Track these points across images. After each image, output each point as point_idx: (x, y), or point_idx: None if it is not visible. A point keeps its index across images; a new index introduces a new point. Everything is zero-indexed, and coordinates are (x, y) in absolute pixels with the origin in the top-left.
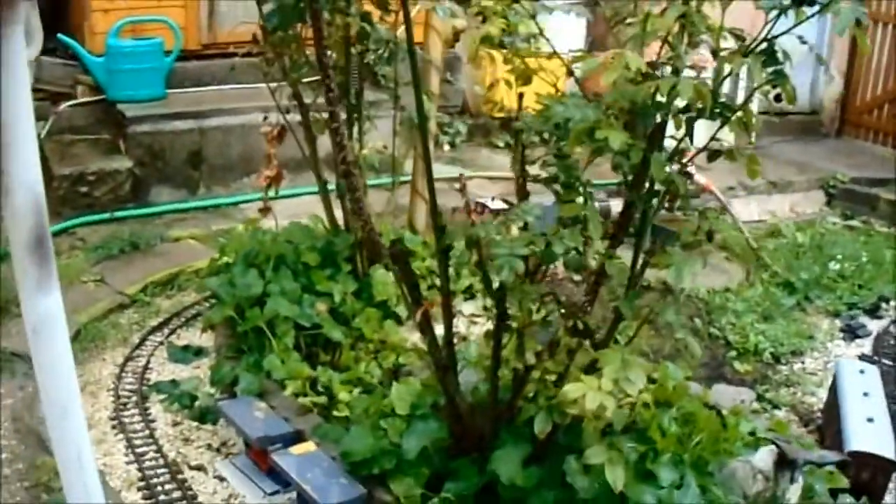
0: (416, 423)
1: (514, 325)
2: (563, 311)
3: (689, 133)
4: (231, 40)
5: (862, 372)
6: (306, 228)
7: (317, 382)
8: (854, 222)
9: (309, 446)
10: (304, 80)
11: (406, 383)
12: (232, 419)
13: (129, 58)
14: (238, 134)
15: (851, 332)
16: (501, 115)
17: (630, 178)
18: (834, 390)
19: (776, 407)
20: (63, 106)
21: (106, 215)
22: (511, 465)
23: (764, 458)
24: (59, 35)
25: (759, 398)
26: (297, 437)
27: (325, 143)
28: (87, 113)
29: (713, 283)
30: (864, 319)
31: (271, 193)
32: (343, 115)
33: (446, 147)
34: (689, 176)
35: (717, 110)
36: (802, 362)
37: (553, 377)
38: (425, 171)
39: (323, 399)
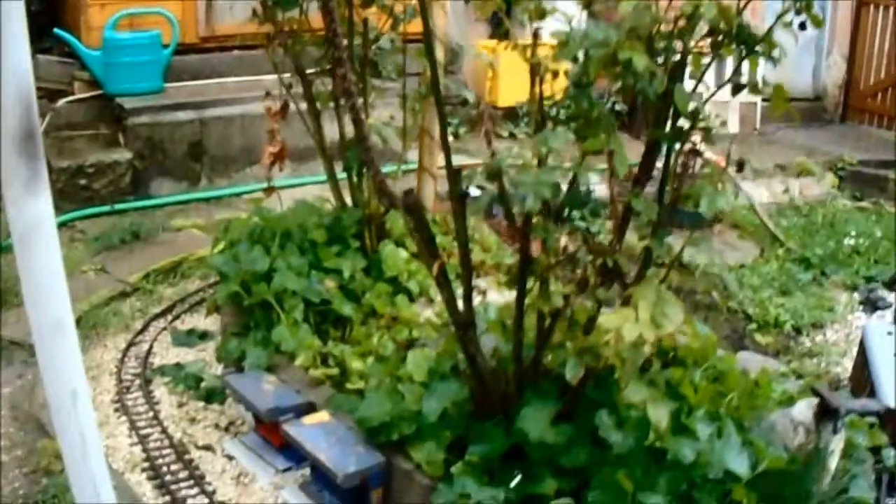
0: (436, 385)
1: (539, 267)
2: (591, 249)
3: (707, 67)
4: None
5: (890, 333)
6: (312, 207)
7: (328, 357)
8: (864, 203)
9: (322, 416)
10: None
11: (422, 351)
12: (240, 392)
13: (126, 50)
14: (239, 124)
15: (872, 304)
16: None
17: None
18: (863, 353)
19: (800, 377)
20: (61, 102)
21: (106, 208)
22: (539, 423)
23: (803, 410)
24: (56, 30)
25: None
26: (309, 409)
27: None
28: (84, 109)
29: (728, 260)
30: (882, 292)
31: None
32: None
33: (450, 137)
34: (699, 153)
35: (741, 38)
36: (824, 334)
37: (582, 322)
38: (440, 127)
39: (335, 371)
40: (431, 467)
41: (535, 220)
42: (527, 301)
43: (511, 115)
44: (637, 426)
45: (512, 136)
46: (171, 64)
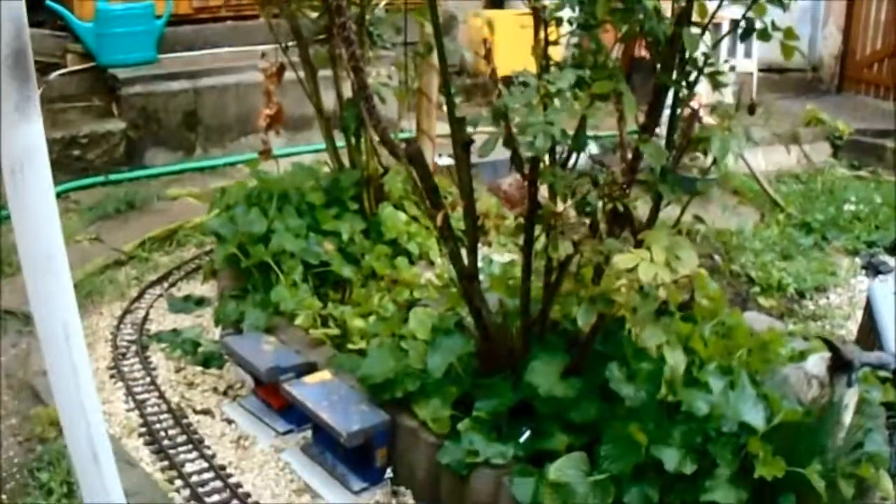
0: (441, 339)
1: (547, 213)
2: (601, 194)
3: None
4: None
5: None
6: (310, 170)
7: (328, 319)
8: (862, 172)
9: (324, 375)
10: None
11: (424, 310)
12: (238, 353)
13: (119, 21)
14: (234, 94)
15: (874, 269)
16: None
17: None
18: (869, 314)
19: (805, 339)
20: (53, 75)
21: (100, 178)
22: (548, 377)
23: (817, 363)
24: (48, 2)
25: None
26: (310, 369)
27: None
28: (77, 81)
29: (728, 225)
30: (884, 257)
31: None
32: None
33: (444, 107)
34: (699, 119)
35: None
36: (827, 297)
37: (591, 271)
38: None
39: (335, 331)
40: (437, 424)
41: (542, 165)
42: (535, 248)
43: (507, 84)
44: (649, 379)
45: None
46: (164, 35)
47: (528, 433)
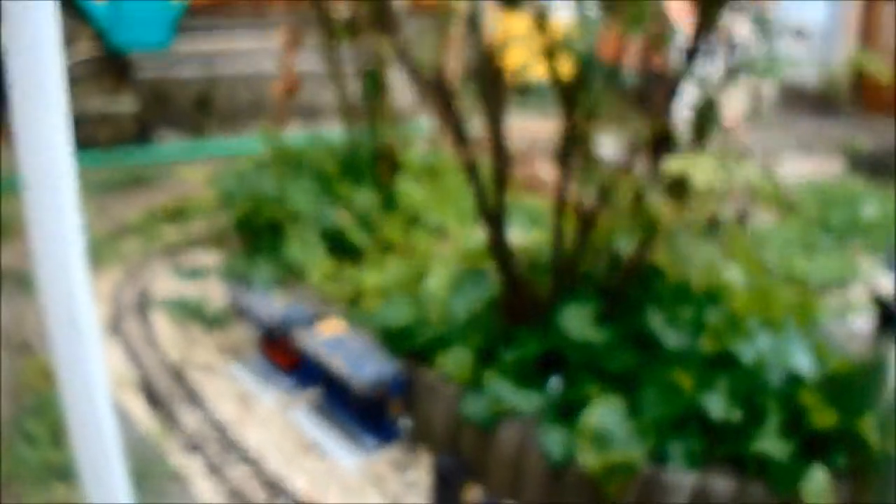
0: (464, 285)
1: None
2: (643, 116)
3: None
4: None
5: None
6: (325, 140)
7: (341, 279)
8: (877, 187)
9: (338, 325)
10: None
11: (444, 265)
12: (246, 306)
13: (133, 4)
14: (247, 81)
15: None
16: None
17: None
18: None
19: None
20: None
21: (109, 156)
22: (580, 322)
23: (862, 321)
24: None
25: None
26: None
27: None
28: (89, 64)
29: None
30: None
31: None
32: None
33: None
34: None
35: None
36: (850, 292)
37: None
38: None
39: (349, 289)
40: (460, 373)
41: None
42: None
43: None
44: (690, 325)
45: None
46: (179, 24)
47: (559, 380)
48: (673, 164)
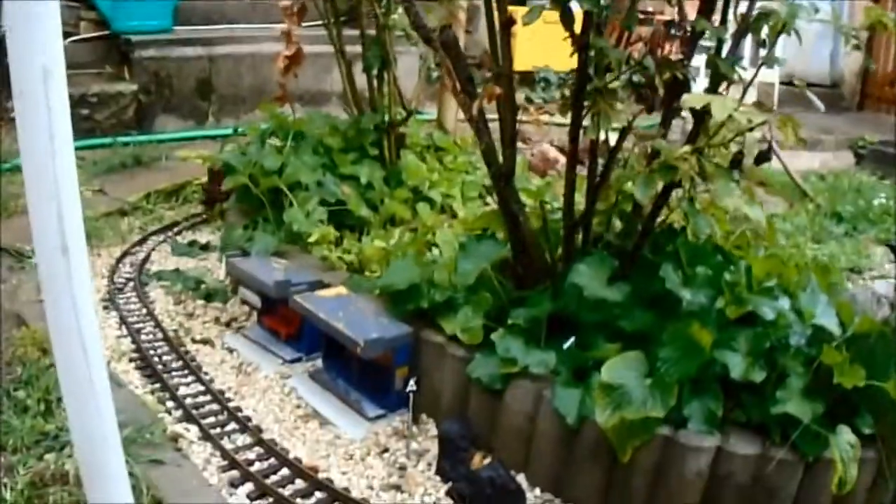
0: (473, 245)
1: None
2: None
3: None
4: None
5: None
6: (328, 116)
7: (344, 247)
8: (886, 182)
9: (340, 290)
10: None
11: (451, 229)
12: (244, 271)
13: None
14: (249, 63)
15: None
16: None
17: None
18: None
19: None
20: (66, 42)
21: (108, 140)
22: (595, 280)
23: (885, 285)
24: None
25: None
26: (323, 287)
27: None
28: (90, 48)
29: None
30: None
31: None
32: None
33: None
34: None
35: None
36: (863, 278)
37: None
38: None
39: (352, 257)
40: (468, 335)
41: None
42: (584, 123)
43: (528, 80)
44: (707, 283)
45: (528, 101)
46: (181, 8)
47: (572, 339)
48: (690, 100)
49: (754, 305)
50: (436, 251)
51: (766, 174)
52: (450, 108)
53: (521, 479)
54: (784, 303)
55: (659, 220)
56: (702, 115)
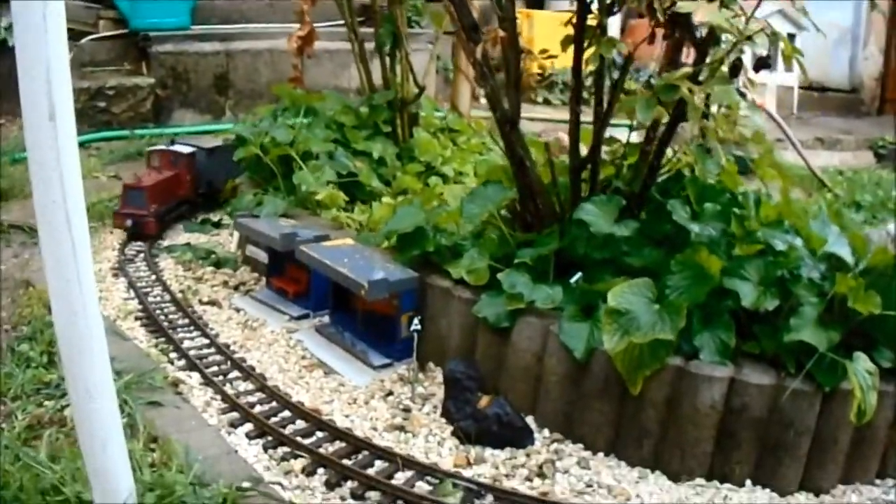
0: (479, 189)
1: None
2: None
3: None
4: None
5: None
6: (341, 97)
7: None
8: None
9: (346, 240)
10: None
11: (459, 185)
12: (252, 228)
13: None
14: (266, 59)
15: None
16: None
17: None
18: None
19: None
20: (85, 40)
21: (125, 132)
22: (602, 218)
23: None
24: None
25: None
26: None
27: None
28: (109, 46)
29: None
30: None
31: None
32: None
33: (483, 100)
34: (742, 95)
35: None
36: None
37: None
38: None
39: (361, 217)
40: (474, 276)
41: None
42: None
43: (546, 82)
44: (716, 217)
45: (546, 102)
46: (200, 7)
47: (579, 274)
48: (683, 6)
49: (765, 236)
50: (444, 194)
51: (785, 166)
52: (464, 92)
53: (529, 420)
54: (796, 240)
55: (667, 166)
56: (704, 43)
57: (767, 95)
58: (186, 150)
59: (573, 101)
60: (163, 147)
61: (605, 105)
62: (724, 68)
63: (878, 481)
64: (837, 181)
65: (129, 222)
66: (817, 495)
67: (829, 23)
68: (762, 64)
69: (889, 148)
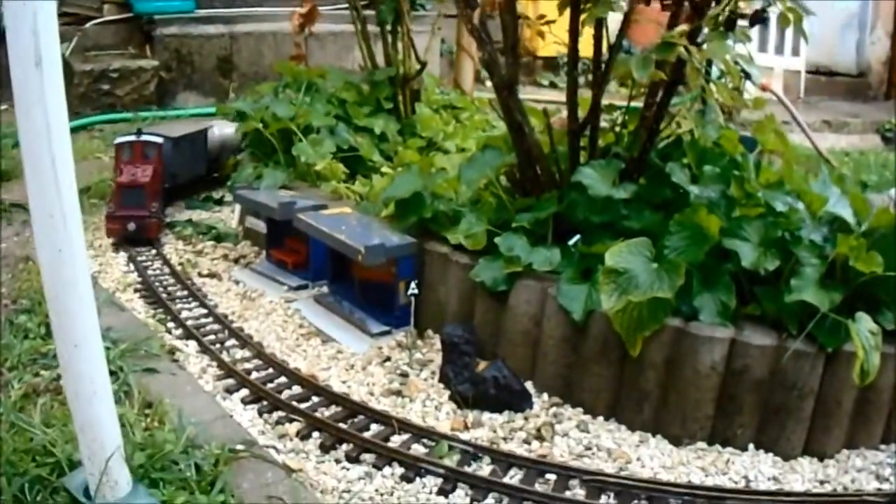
0: (477, 155)
1: None
2: None
3: None
4: None
5: None
6: (343, 73)
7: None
8: None
9: (344, 209)
10: None
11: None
12: (250, 198)
13: None
14: (270, 42)
15: None
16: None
17: None
18: None
19: None
20: (90, 24)
21: (129, 114)
22: (601, 181)
23: None
24: None
25: None
26: None
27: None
28: (114, 31)
29: None
30: None
31: None
32: None
33: (489, 83)
34: (748, 76)
35: None
36: None
37: None
38: None
39: (361, 189)
40: (472, 240)
41: None
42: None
43: (552, 65)
44: (716, 179)
45: (553, 85)
46: None
47: (577, 237)
48: None
49: (765, 198)
50: (443, 161)
51: (790, 147)
52: (467, 70)
53: (528, 385)
54: (797, 203)
55: (666, 131)
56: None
57: (774, 79)
58: (158, 140)
59: (570, 65)
60: (132, 138)
61: (602, 68)
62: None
63: (882, 446)
64: (843, 162)
65: (131, 226)
66: (821, 460)
67: (837, 7)
68: (758, 18)
69: (893, 132)
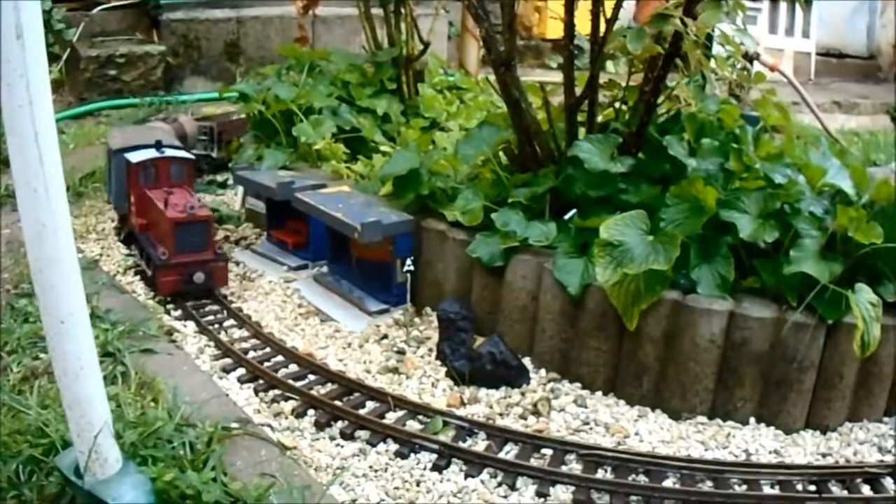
0: (474, 132)
1: None
2: None
3: None
4: None
5: None
6: (347, 55)
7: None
8: None
9: (342, 188)
10: None
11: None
12: (250, 179)
13: None
14: (278, 26)
15: None
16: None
17: None
18: None
19: None
20: (96, 9)
21: (135, 100)
22: (597, 156)
23: None
24: None
25: None
26: None
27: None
28: (120, 16)
29: None
30: None
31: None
32: None
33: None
34: (757, 56)
35: None
36: None
37: None
38: None
39: (362, 169)
40: (468, 216)
41: None
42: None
43: (560, 47)
44: (714, 153)
45: (561, 67)
46: None
47: (574, 211)
48: None
49: (764, 170)
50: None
51: (799, 126)
52: (471, 52)
53: (526, 361)
54: (798, 176)
55: (664, 105)
56: None
57: (785, 61)
58: (189, 156)
59: (567, 39)
60: (153, 154)
61: (600, 40)
62: None
63: (886, 419)
64: (852, 141)
65: (198, 277)
66: (824, 433)
67: None
68: None
69: None
